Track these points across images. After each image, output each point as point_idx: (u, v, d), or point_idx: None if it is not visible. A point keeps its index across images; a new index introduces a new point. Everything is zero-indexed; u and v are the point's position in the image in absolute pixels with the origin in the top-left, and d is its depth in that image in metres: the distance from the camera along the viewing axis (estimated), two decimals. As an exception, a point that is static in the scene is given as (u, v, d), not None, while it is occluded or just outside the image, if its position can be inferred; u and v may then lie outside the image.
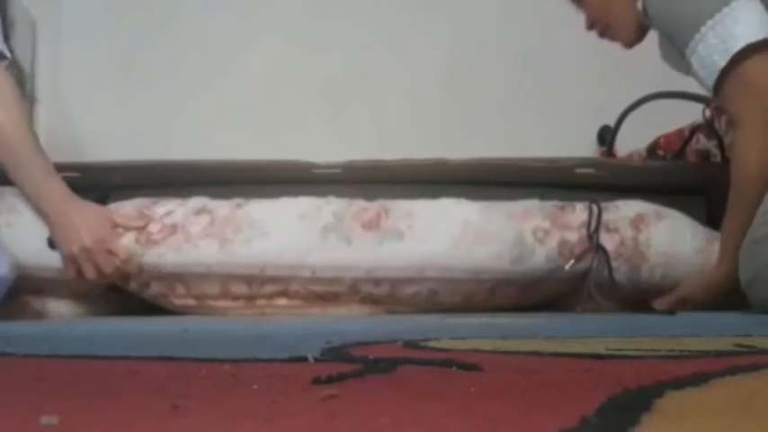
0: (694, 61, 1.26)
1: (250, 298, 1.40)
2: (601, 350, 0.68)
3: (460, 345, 0.78)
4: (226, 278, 1.38)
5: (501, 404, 0.43)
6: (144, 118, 2.18)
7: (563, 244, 1.38)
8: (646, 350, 0.71)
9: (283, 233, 1.38)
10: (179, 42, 2.23)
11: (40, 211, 1.36)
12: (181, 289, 1.40)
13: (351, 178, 1.52)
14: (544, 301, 1.44)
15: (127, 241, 1.39)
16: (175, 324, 1.18)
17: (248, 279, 1.38)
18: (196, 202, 1.43)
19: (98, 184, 1.52)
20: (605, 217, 1.41)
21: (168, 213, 1.42)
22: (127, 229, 1.39)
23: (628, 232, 1.40)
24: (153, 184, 1.52)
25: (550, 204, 1.43)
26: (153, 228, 1.41)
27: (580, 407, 0.38)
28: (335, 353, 0.67)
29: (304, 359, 0.62)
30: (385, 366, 0.57)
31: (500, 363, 0.64)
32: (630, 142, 1.84)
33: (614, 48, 1.59)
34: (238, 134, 2.18)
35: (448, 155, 1.49)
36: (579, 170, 1.51)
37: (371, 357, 0.62)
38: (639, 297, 1.39)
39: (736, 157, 1.27)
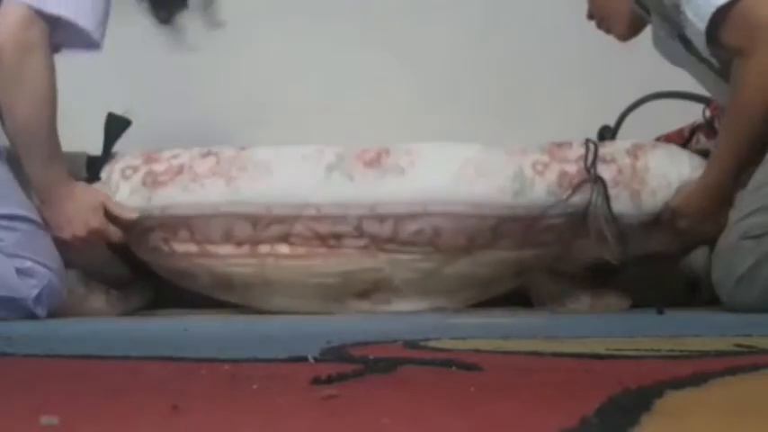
0: (688, 10, 1.26)
1: (254, 242, 1.42)
2: (601, 350, 0.68)
3: (460, 345, 0.78)
4: (232, 219, 1.40)
5: (501, 404, 0.43)
6: (143, 117, 2.18)
7: (562, 176, 1.40)
8: (646, 350, 0.71)
9: (288, 172, 1.43)
10: (178, 42, 2.23)
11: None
12: (184, 233, 1.42)
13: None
14: (549, 243, 1.43)
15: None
16: (175, 324, 1.18)
17: (254, 219, 1.40)
18: (201, 148, 1.48)
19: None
20: (602, 151, 1.44)
21: (174, 156, 1.47)
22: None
23: (625, 161, 1.43)
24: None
25: (548, 142, 1.47)
26: (159, 168, 1.44)
27: (580, 407, 0.38)
28: (335, 353, 0.67)
29: (304, 359, 0.62)
30: (385, 366, 0.57)
31: (500, 363, 0.64)
32: (630, 142, 1.84)
33: (614, 48, 1.59)
34: (238, 133, 2.18)
35: (448, 155, 1.49)
36: (579, 170, 1.51)
37: (371, 357, 0.62)
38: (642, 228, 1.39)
39: (740, 81, 1.26)
